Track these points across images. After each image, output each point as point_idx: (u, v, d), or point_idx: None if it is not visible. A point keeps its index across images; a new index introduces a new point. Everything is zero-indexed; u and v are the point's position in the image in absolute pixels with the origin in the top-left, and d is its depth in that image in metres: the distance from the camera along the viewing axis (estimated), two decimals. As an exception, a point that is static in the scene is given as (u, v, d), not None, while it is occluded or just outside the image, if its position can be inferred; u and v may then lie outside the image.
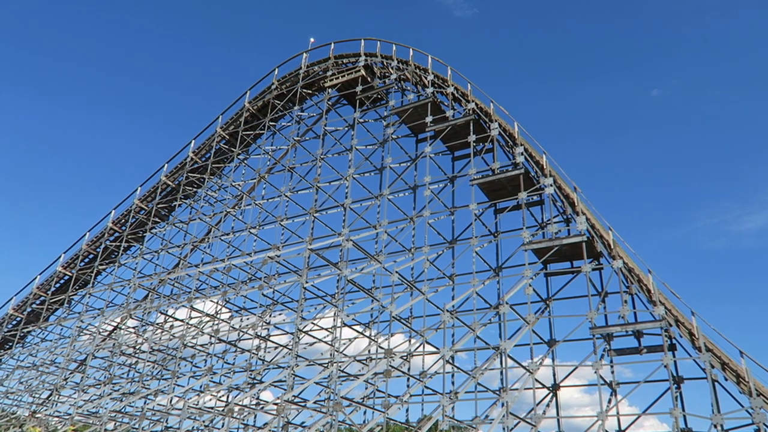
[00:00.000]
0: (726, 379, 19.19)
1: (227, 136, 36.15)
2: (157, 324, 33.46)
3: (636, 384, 21.66)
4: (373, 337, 25.97)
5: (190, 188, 36.04)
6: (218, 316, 30.31)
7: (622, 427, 21.67)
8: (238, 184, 34.34)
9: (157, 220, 36.93)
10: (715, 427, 18.44)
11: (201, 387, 29.67)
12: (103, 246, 37.99)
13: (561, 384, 23.78)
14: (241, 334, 30.76)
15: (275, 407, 24.36)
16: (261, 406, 27.84)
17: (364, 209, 29.01)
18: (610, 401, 21.84)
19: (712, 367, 19.14)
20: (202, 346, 30.60)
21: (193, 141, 36.96)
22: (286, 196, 31.36)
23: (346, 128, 32.44)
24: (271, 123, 34.45)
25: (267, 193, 33.61)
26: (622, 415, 21.96)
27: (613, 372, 22.63)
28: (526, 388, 21.72)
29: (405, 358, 25.15)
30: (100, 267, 38.13)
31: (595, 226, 23.12)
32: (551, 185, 23.92)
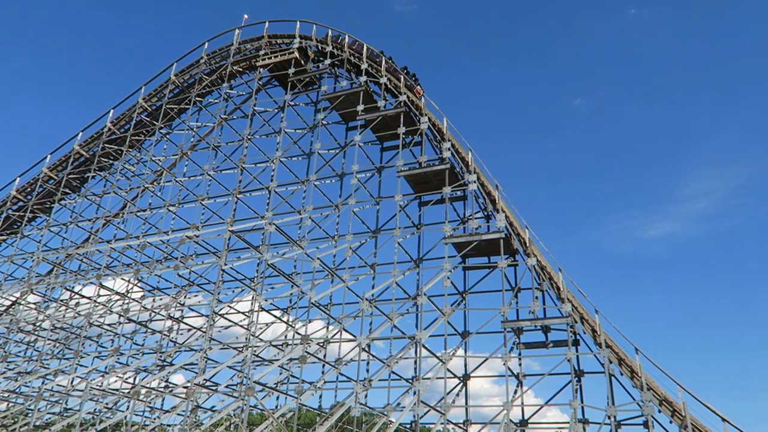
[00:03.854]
0: (622, 374, 20.50)
1: (149, 109, 34.55)
2: (61, 301, 31.62)
3: (541, 376, 22.76)
4: (290, 323, 25.77)
5: (106, 160, 34.22)
6: (129, 295, 29.05)
7: (526, 417, 22.73)
8: (159, 159, 32.93)
9: (67, 191, 34.80)
10: (609, 418, 19.69)
11: (106, 368, 28.39)
12: (4, 215, 35.40)
13: (471, 374, 24.57)
14: (153, 314, 29.64)
15: (184, 390, 23.74)
16: (170, 389, 27.01)
17: (290, 193, 28.68)
18: (516, 392, 22.83)
19: (610, 362, 20.38)
20: (109, 325, 29.27)
21: (112, 110, 35.08)
22: (209, 175, 30.39)
23: (276, 110, 31.81)
24: (197, 98, 33.21)
25: (189, 170, 32.45)
26: (527, 405, 23.02)
27: (520, 364, 23.62)
28: (438, 378, 22.27)
29: (321, 344, 25.10)
30: (0, 238, 35.54)
31: (513, 224, 23.98)
32: (475, 182, 24.54)
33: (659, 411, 19.70)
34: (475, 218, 24.89)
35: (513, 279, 24.40)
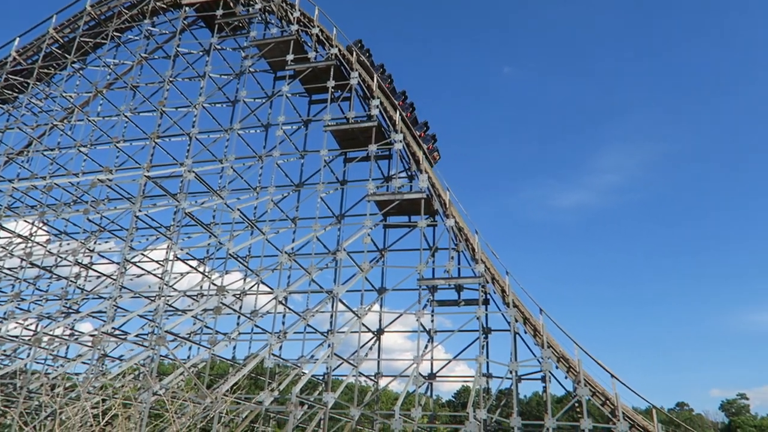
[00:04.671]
0: (525, 332, 21.64)
1: (61, 41, 32.08)
2: (-45, 241, 29.42)
3: (451, 333, 23.65)
4: (206, 274, 25.30)
5: (10, 92, 31.66)
6: (33, 238, 27.44)
7: (435, 370, 23.66)
8: (70, 96, 30.82)
9: (-37, 123, 32.02)
10: (511, 372, 20.83)
11: (5, 314, 26.87)
12: None
13: (385, 329, 25.18)
14: (59, 260, 28.17)
15: (91, 339, 22.91)
16: (75, 337, 25.99)
17: (212, 141, 27.72)
18: (426, 347, 23.66)
19: (516, 321, 21.44)
20: (9, 269, 27.60)
21: (17, 39, 32.30)
22: (126, 116, 28.82)
23: (201, 53, 30.40)
24: (115, 34, 31.10)
25: (103, 110, 30.61)
26: (436, 359, 23.98)
27: (433, 321, 24.46)
28: (352, 332, 22.66)
29: (238, 296, 24.83)
30: None
31: (435, 185, 24.38)
32: (400, 141, 24.61)
33: (557, 367, 21.02)
34: (399, 177, 25.07)
35: (431, 239, 24.97)
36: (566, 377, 21.19)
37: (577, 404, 20.42)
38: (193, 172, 24.88)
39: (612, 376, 20.24)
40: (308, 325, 23.39)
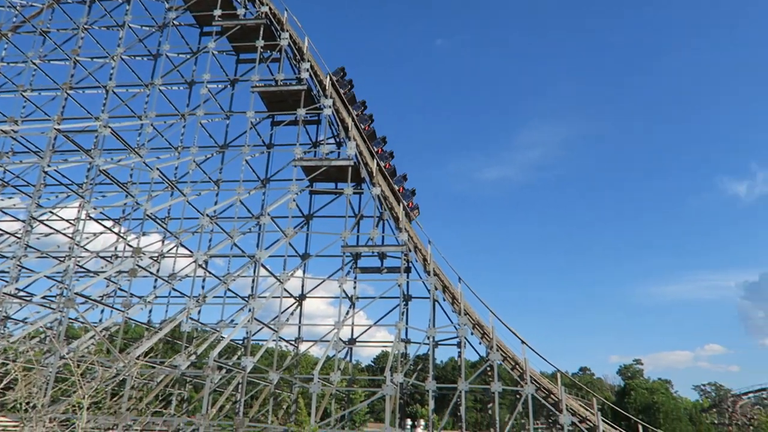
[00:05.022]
0: (444, 300, 22.34)
1: (-41, -26, 29.12)
2: None
3: (372, 299, 24.07)
4: (121, 234, 24.26)
5: None
6: (-75, 190, 25.23)
7: (355, 336, 24.05)
8: (-31, 37, 28.17)
9: None
10: (429, 338, 21.54)
11: None
12: None
13: (308, 295, 25.24)
14: (-44, 215, 26.06)
15: (-9, 299, 21.54)
16: (-26, 297, 24.33)
17: (131, 96, 26.31)
18: (348, 313, 23.96)
19: (436, 289, 22.08)
20: None
21: None
22: (34, 63, 26.75)
23: (121, 1, 28.50)
24: (23, -29, 28.57)
25: (8, 54, 28.25)
26: (357, 325, 24.36)
27: (355, 287, 24.75)
28: (274, 297, 22.57)
29: (155, 258, 24.06)
30: None
31: (363, 154, 24.38)
32: (330, 107, 24.35)
33: (472, 333, 21.92)
34: (327, 144, 24.92)
35: (357, 206, 25.08)
36: (480, 343, 22.16)
37: (489, 368, 21.43)
38: (109, 127, 23.56)
39: (522, 342, 21.35)
40: (229, 290, 23.05)
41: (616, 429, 22.56)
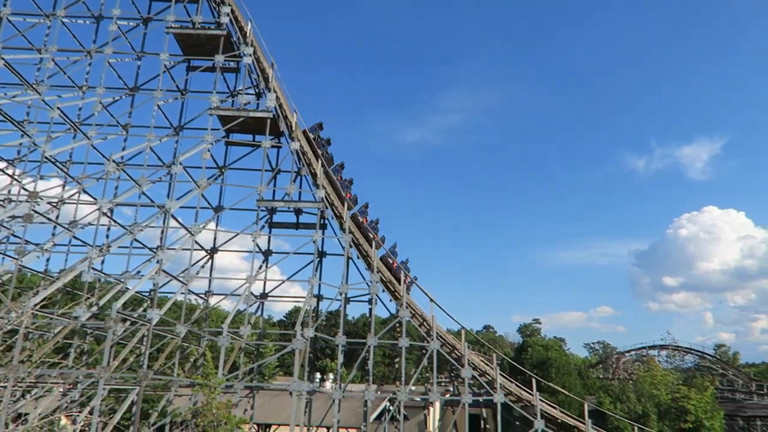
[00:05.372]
0: (358, 257, 22.67)
1: None
2: None
3: (286, 255, 23.98)
4: (16, 177, 22.51)
5: None
6: None
7: (267, 290, 23.99)
8: None
9: None
10: (341, 294, 21.87)
11: None
12: None
13: (220, 248, 24.76)
14: None
15: None
16: None
17: (29, 26, 24.06)
18: (261, 267, 23.79)
19: (351, 246, 22.33)
20: None
21: None
22: None
23: None
24: None
25: None
26: (270, 280, 24.28)
27: (269, 242, 24.54)
28: (184, 249, 21.97)
29: (54, 204, 22.58)
30: None
31: (283, 106, 23.84)
32: (250, 55, 23.48)
33: (383, 291, 22.48)
34: (246, 93, 24.11)
35: (274, 160, 24.66)
36: (391, 300, 22.80)
37: (398, 325, 22.18)
38: (3, 59, 21.58)
39: (431, 300, 22.20)
40: (135, 240, 22.18)
41: (512, 382, 24.16)
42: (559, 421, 23.33)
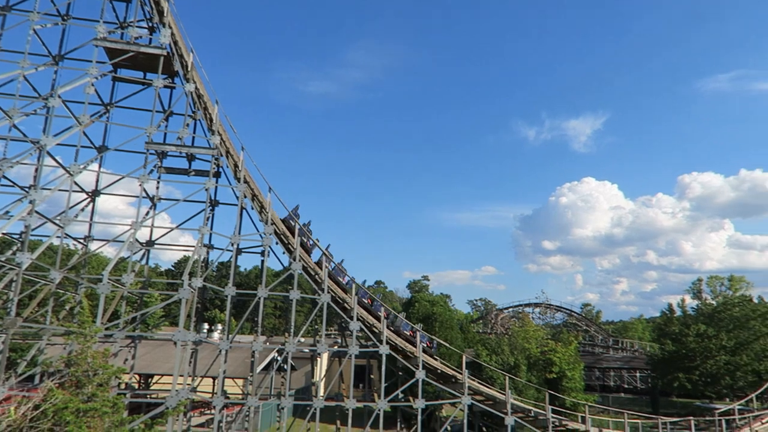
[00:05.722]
0: (252, 208, 22.27)
1: None
2: None
3: (176, 201, 23.01)
4: None
5: None
6: None
7: (154, 238, 22.97)
8: None
9: None
10: (232, 245, 21.44)
11: None
12: None
13: (103, 191, 23.25)
14: None
15: None
16: None
17: None
18: (148, 214, 22.67)
19: (245, 196, 21.84)
20: None
21: None
22: None
23: None
24: None
25: None
26: (158, 227, 23.22)
27: (158, 188, 23.40)
28: (61, 190, 20.42)
29: None
30: None
31: (179, 44, 22.40)
32: (143, -16, 21.68)
33: (277, 243, 22.34)
34: (138, 26, 22.33)
35: (167, 102, 23.28)
36: (284, 253, 22.73)
37: (290, 277, 22.20)
38: None
39: (324, 254, 22.39)
40: (4, 177, 20.24)
41: (398, 335, 25.17)
42: (439, 371, 24.76)
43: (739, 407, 32.80)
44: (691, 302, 58.74)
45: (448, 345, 31.80)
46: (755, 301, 55.23)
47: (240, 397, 25.41)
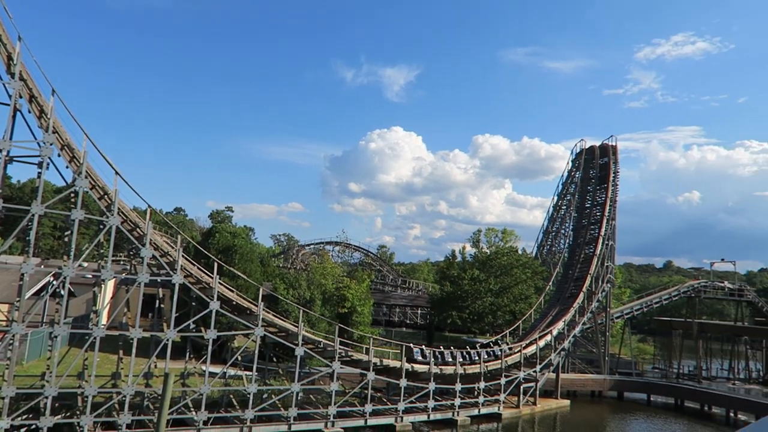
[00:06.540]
0: (30, 111, 19.22)
1: None
2: None
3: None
4: None
5: None
6: None
7: None
8: None
9: None
10: (1, 151, 18.35)
11: None
12: None
13: None
14: None
15: None
16: None
17: None
18: None
19: (20, 96, 18.70)
20: None
21: None
22: None
23: None
24: None
25: None
26: None
27: None
28: None
29: None
30: None
31: None
32: None
33: (59, 155, 19.70)
34: None
35: None
36: (68, 167, 20.18)
37: (73, 194, 19.87)
38: None
39: (116, 173, 20.35)
40: None
41: (194, 265, 24.27)
42: (234, 303, 24.55)
43: (494, 341, 38.48)
44: (470, 250, 66.20)
45: (246, 278, 31.60)
46: (519, 252, 64.14)
47: (4, 324, 22.51)
